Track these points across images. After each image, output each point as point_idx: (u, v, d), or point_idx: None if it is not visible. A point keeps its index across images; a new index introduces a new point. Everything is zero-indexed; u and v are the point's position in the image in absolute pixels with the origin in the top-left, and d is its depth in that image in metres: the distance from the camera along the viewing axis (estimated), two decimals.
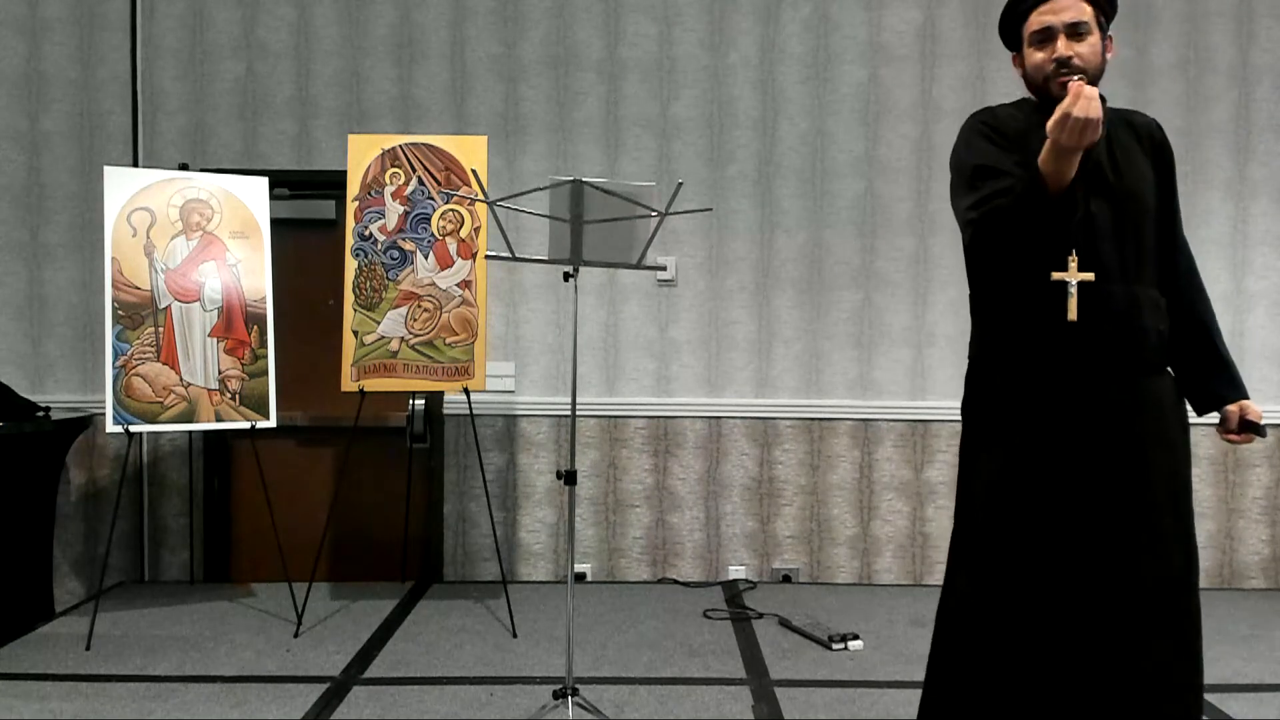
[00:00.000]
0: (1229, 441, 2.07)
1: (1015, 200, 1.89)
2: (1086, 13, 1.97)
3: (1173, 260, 2.06)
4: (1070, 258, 1.92)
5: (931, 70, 4.43)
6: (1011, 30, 2.08)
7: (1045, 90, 1.99)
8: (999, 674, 1.94)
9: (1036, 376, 1.96)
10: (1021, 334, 1.98)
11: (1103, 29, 2.00)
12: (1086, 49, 1.95)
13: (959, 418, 4.63)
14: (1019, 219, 1.90)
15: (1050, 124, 1.80)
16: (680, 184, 2.82)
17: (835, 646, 3.52)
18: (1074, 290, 1.91)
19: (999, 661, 1.94)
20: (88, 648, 3.47)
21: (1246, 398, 2.04)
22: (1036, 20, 1.98)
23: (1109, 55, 2.02)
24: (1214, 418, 2.10)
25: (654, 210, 2.81)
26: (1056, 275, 1.92)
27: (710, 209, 3.13)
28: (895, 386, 4.45)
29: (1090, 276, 1.92)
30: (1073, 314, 1.91)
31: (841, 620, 3.85)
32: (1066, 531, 1.91)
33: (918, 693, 3.10)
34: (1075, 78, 1.88)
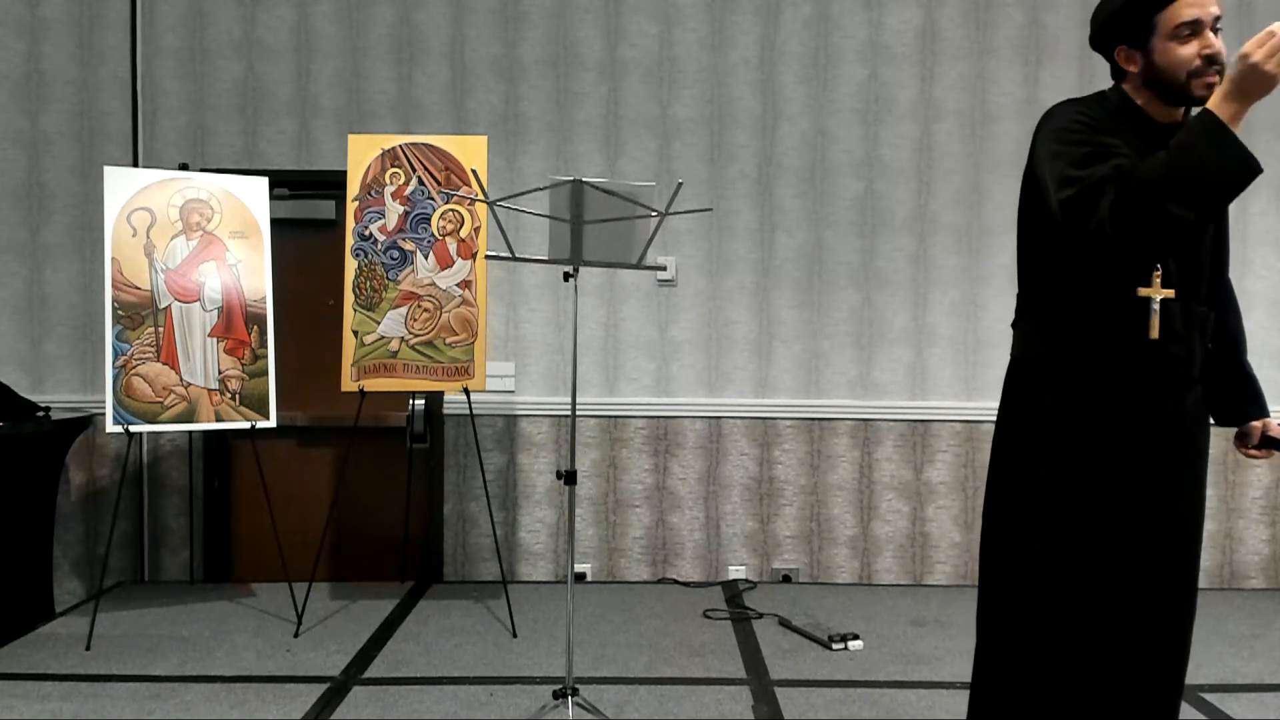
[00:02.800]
0: (1248, 457, 2.07)
1: (1184, 147, 1.68)
2: (1222, 6, 1.84)
3: (1219, 277, 2.02)
4: (1155, 273, 1.87)
5: (931, 70, 4.43)
6: (1138, 19, 1.86)
7: (1182, 90, 1.83)
8: (1051, 676, 1.94)
9: (1111, 390, 1.90)
10: (1098, 345, 1.91)
11: None
12: (1222, 47, 1.82)
13: (959, 418, 4.65)
14: (1188, 171, 1.66)
15: (1251, 44, 1.63)
16: (680, 184, 2.82)
17: (835, 646, 3.52)
18: (1157, 308, 1.86)
19: (1052, 661, 1.94)
20: (88, 648, 3.47)
21: (1268, 415, 2.02)
22: (1186, 11, 1.80)
23: None
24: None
25: (654, 210, 2.81)
26: (1143, 291, 1.87)
27: (710, 209, 3.13)
28: (895, 386, 4.45)
29: (1171, 293, 1.87)
30: (1155, 332, 1.86)
31: (841, 620, 3.85)
32: (1119, 539, 1.91)
33: (917, 693, 3.12)
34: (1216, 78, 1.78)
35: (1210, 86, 1.78)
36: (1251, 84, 1.65)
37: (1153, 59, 1.86)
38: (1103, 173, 1.76)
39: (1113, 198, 1.72)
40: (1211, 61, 1.80)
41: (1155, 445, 1.91)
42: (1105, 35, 1.94)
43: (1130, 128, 1.89)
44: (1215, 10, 1.82)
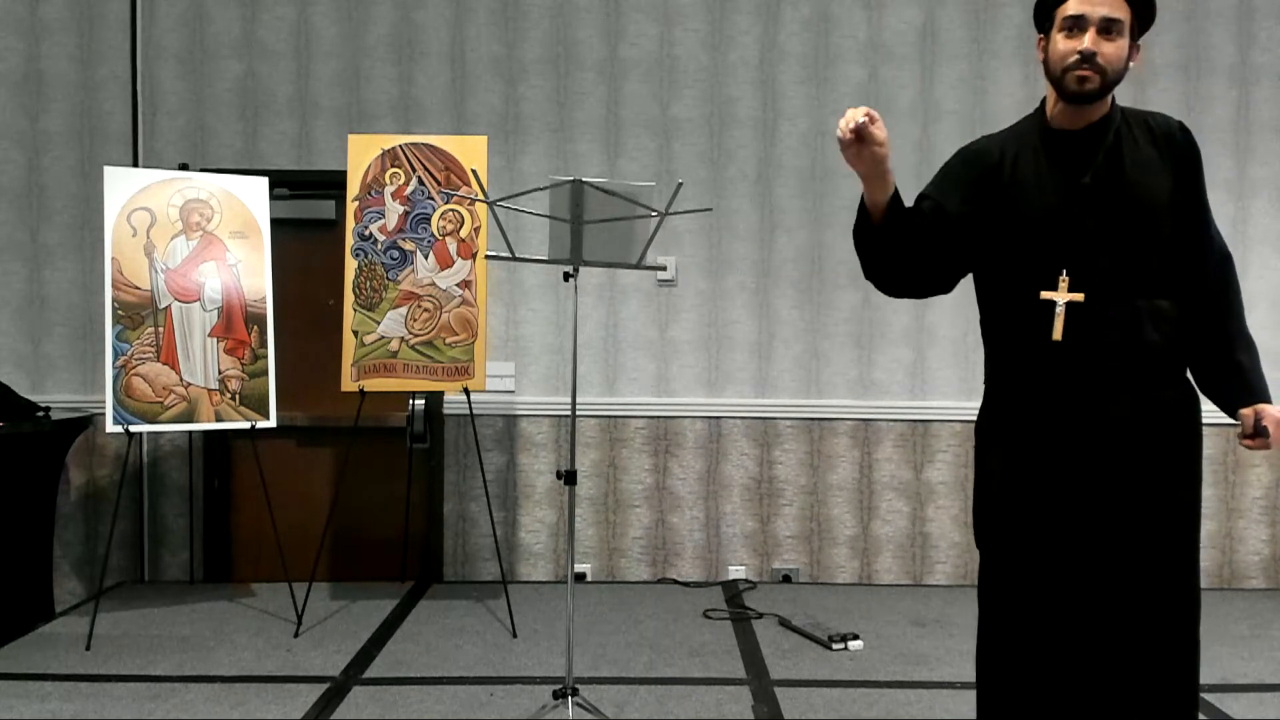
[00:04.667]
0: (1246, 447, 2.05)
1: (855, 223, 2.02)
2: (1123, 11, 1.90)
3: (1196, 264, 2.00)
4: (1061, 277, 1.92)
5: (931, 70, 4.43)
6: (1045, 10, 1.99)
7: (1058, 83, 1.94)
8: (1030, 685, 1.98)
9: (1031, 395, 1.97)
10: (1015, 353, 2.01)
11: (1133, 35, 1.94)
12: (1112, 50, 1.89)
13: (959, 418, 4.66)
14: (857, 237, 2.02)
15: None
16: (680, 184, 2.82)
17: (835, 646, 3.51)
18: (1061, 310, 1.91)
19: (1029, 673, 1.97)
20: (88, 648, 3.47)
21: (1265, 402, 1.98)
22: (1073, 6, 1.90)
23: (1133, 63, 1.97)
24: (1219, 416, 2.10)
25: (654, 210, 2.81)
26: (1045, 294, 1.93)
27: (710, 209, 3.13)
28: (895, 386, 4.45)
29: (1080, 297, 1.91)
30: (1057, 334, 1.91)
31: (841, 620, 3.84)
32: (1062, 545, 1.93)
33: (917, 692, 3.12)
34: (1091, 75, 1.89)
35: (1081, 80, 1.90)
36: (851, 163, 1.91)
37: (1046, 49, 1.98)
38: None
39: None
40: (1084, 59, 1.88)
41: (1087, 449, 1.92)
42: (1035, 21, 2.06)
43: (1042, 145, 2.00)
44: (1103, 11, 1.89)
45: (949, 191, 2.04)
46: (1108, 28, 1.89)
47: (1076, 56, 1.89)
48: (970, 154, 2.09)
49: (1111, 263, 1.92)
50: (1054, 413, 1.94)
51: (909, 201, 2.04)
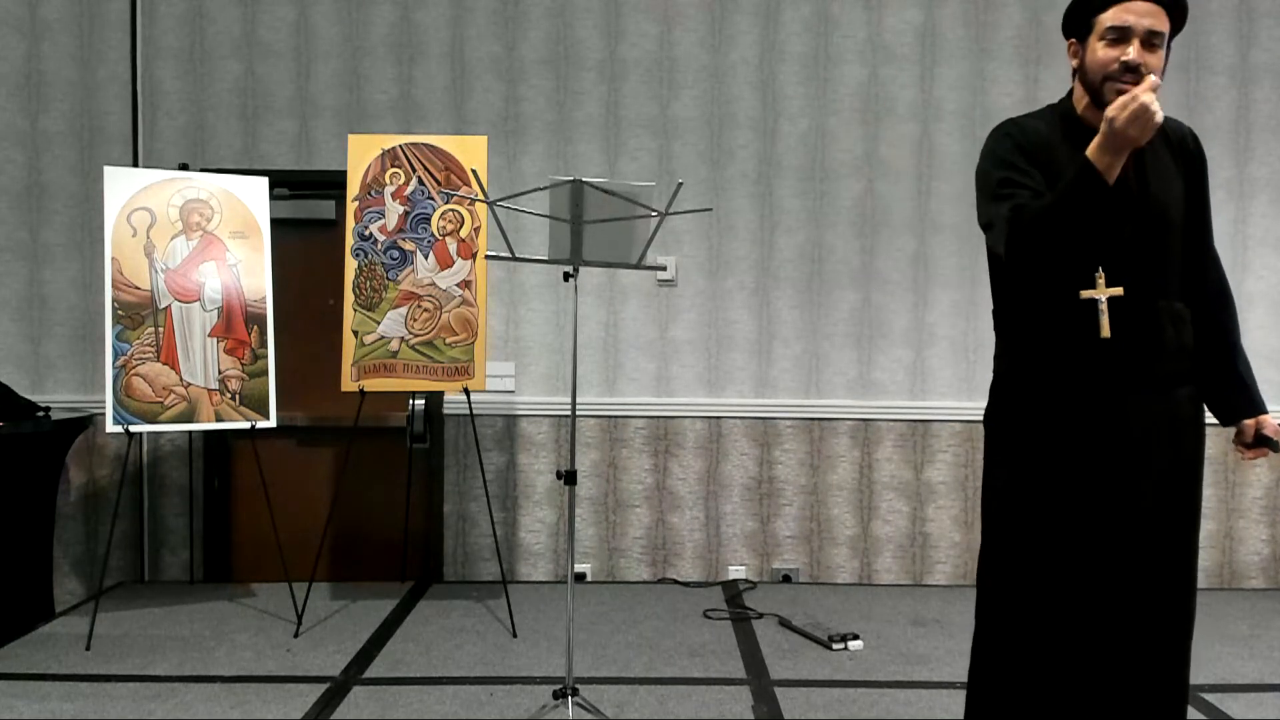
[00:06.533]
0: (1244, 456, 2.06)
1: (1063, 193, 1.83)
2: (1165, 24, 1.90)
3: (1201, 272, 2.02)
4: (1098, 274, 1.90)
5: (931, 70, 4.43)
6: (1082, 16, 1.96)
7: (1098, 90, 1.91)
8: (1034, 681, 1.97)
9: (1065, 392, 1.95)
10: (1050, 350, 1.97)
11: (1169, 46, 1.95)
12: (1155, 61, 1.88)
13: (959, 418, 4.65)
14: (1065, 214, 1.82)
15: (1114, 107, 1.76)
16: (680, 184, 2.82)
17: (835, 646, 3.51)
18: (1104, 307, 1.89)
19: (1033, 666, 1.97)
20: (88, 648, 3.47)
21: (1265, 413, 2.01)
22: (1116, 15, 1.88)
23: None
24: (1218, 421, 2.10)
25: (654, 210, 2.81)
26: (1086, 293, 1.90)
27: (710, 209, 3.13)
28: (895, 386, 4.45)
29: (1119, 291, 1.89)
30: (1105, 331, 1.88)
31: (841, 620, 3.85)
32: (1084, 541, 1.93)
33: (917, 692, 3.12)
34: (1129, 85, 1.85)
35: (1121, 93, 1.85)
36: (1119, 142, 1.79)
37: (1084, 56, 1.95)
38: (1003, 212, 1.91)
39: (1007, 235, 1.90)
40: (1127, 69, 1.86)
41: (1121, 446, 1.92)
42: (1065, 25, 2.03)
43: (1067, 137, 1.97)
44: (1148, 23, 1.88)
45: (1032, 174, 1.96)
46: (1150, 39, 1.88)
47: (1118, 65, 1.87)
48: (1018, 132, 2.02)
49: (1137, 263, 1.92)
50: (1080, 407, 1.93)
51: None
